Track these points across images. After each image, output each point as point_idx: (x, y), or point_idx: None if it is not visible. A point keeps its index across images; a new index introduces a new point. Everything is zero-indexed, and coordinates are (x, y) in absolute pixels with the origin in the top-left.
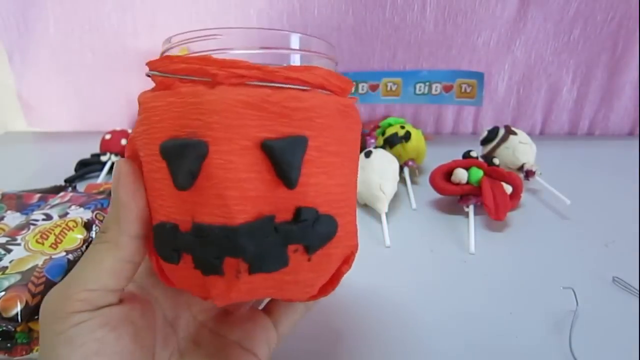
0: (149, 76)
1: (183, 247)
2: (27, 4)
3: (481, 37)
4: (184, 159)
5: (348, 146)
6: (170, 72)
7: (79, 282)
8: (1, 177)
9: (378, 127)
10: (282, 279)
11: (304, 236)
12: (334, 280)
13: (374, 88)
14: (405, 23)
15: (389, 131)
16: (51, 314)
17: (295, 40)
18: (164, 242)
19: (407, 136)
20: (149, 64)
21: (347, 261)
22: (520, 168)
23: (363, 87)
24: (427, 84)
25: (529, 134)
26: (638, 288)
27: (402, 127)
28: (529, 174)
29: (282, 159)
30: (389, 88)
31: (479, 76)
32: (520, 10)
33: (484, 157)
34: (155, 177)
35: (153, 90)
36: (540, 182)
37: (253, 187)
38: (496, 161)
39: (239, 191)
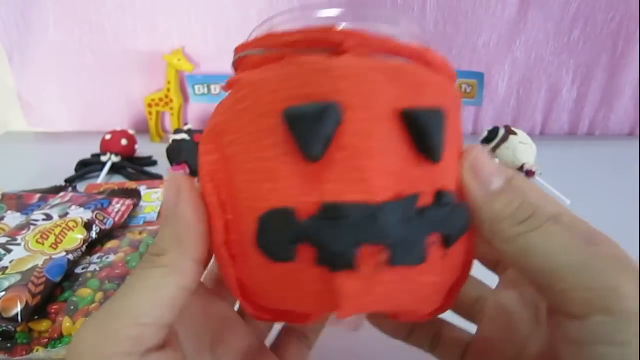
0: (235, 65)
1: (305, 236)
2: (27, 4)
3: (481, 37)
4: (318, 123)
5: (458, 139)
6: (280, 46)
7: (129, 313)
8: (1, 177)
9: None
10: (418, 280)
11: (445, 223)
12: (452, 292)
13: None
14: None
15: None
16: (91, 351)
17: (402, 22)
18: (276, 233)
19: None
20: (240, 47)
21: (465, 270)
22: (520, 168)
23: None
24: None
25: (529, 134)
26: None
27: None
28: (529, 174)
29: (426, 129)
30: None
31: (479, 76)
32: (521, 10)
33: None
34: (266, 156)
35: (247, 70)
36: (540, 182)
37: (394, 161)
38: (496, 161)
39: (380, 163)
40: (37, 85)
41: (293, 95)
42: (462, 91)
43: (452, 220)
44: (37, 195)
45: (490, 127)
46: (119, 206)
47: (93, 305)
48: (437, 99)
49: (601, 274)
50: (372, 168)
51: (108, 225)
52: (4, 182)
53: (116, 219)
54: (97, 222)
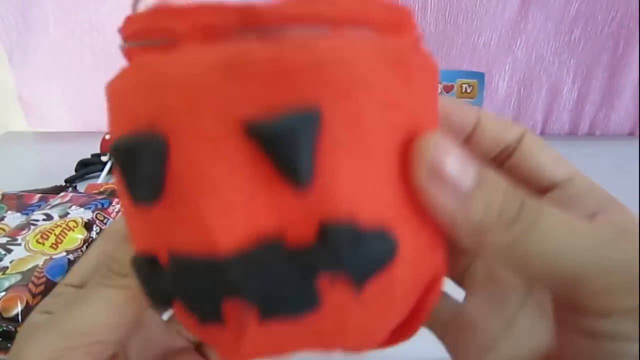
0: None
1: (167, 288)
2: (27, 4)
3: (482, 37)
4: (138, 163)
5: (411, 105)
6: (128, 37)
7: (88, 330)
8: (2, 178)
9: None
10: (319, 326)
11: (339, 261)
12: (416, 318)
13: None
14: None
15: None
16: None
17: None
18: (143, 281)
19: None
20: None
21: (432, 288)
22: None
23: None
24: None
25: None
26: (638, 287)
27: None
28: None
29: (278, 144)
30: None
31: (480, 76)
32: (521, 10)
33: None
34: (119, 190)
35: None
36: None
37: (241, 194)
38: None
39: (219, 201)
40: (37, 85)
41: (130, 116)
42: (462, 91)
43: (354, 253)
44: (38, 196)
45: None
46: (119, 206)
47: None
48: (311, 92)
49: (623, 267)
50: (210, 211)
51: (109, 225)
52: (5, 182)
53: (116, 219)
54: (97, 222)
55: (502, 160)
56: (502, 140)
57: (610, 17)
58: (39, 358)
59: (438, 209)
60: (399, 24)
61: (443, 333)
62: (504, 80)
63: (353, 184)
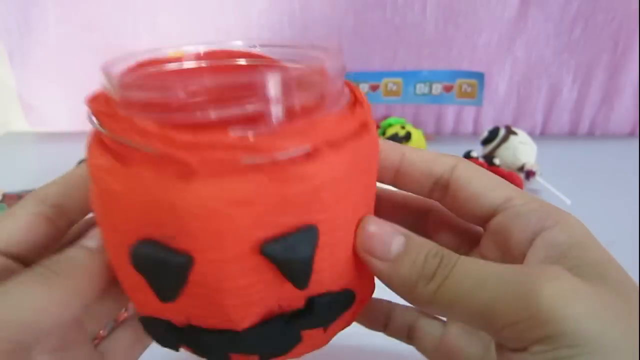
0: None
1: (181, 342)
2: (28, 4)
3: (481, 37)
4: (165, 276)
5: (363, 180)
6: (120, 133)
7: (11, 324)
8: (2, 178)
9: (378, 127)
10: (297, 352)
11: (319, 322)
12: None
13: (374, 88)
14: (406, 23)
15: (390, 131)
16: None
17: (274, 83)
18: (156, 333)
19: (408, 136)
20: (87, 103)
21: (362, 302)
22: (521, 168)
23: (364, 88)
24: (428, 84)
25: (530, 134)
26: (638, 288)
27: (403, 127)
28: (529, 174)
29: (288, 265)
30: (389, 88)
31: (480, 76)
32: (521, 10)
33: (484, 157)
34: (130, 274)
35: (102, 149)
36: (540, 182)
37: (256, 292)
38: (497, 161)
39: (240, 299)
40: (37, 85)
41: (145, 223)
42: (462, 91)
43: (328, 313)
44: None
45: (490, 128)
46: None
47: None
48: (310, 212)
49: (522, 301)
50: (232, 305)
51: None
52: (5, 182)
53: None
54: None
55: (439, 193)
56: (431, 174)
57: (610, 17)
58: None
59: (376, 272)
60: (360, 123)
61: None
62: (503, 80)
63: (332, 271)
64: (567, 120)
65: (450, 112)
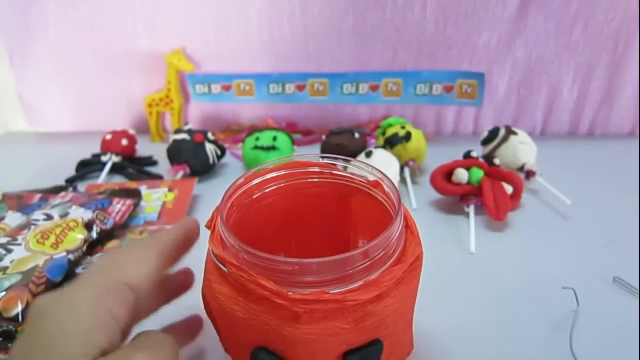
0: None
1: None
2: (28, 4)
3: (481, 37)
4: None
5: (414, 294)
6: (244, 279)
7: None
8: (2, 178)
9: (378, 127)
10: None
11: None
12: None
13: (374, 88)
14: (406, 23)
15: (390, 131)
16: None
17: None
18: None
19: (408, 136)
20: (211, 244)
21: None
22: (521, 168)
23: (363, 88)
24: (428, 84)
25: (530, 134)
26: (638, 288)
27: (403, 127)
28: (529, 174)
29: None
30: (389, 88)
31: (480, 76)
32: (521, 10)
33: (484, 157)
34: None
35: (222, 278)
36: (540, 182)
37: None
38: (497, 161)
39: None
40: (37, 85)
41: (259, 334)
42: (462, 91)
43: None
44: (38, 196)
45: (490, 127)
46: (119, 206)
47: None
48: (377, 331)
49: None
50: None
51: (109, 225)
52: (5, 182)
53: (117, 219)
54: (97, 222)
55: None
56: None
57: (610, 17)
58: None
59: None
60: (415, 257)
61: None
62: (503, 80)
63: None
64: (567, 120)
65: (450, 112)
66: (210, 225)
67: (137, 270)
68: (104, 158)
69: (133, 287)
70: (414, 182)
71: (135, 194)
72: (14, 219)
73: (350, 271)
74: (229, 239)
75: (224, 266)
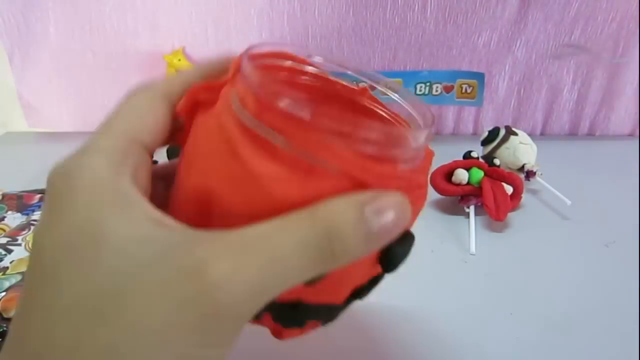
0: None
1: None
2: (28, 4)
3: (482, 38)
4: None
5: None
6: (310, 150)
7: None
8: (2, 178)
9: None
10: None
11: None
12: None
13: (374, 88)
14: (406, 24)
15: None
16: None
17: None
18: (286, 317)
19: None
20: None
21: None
22: (521, 168)
23: None
24: (428, 84)
25: (530, 135)
26: (638, 288)
27: None
28: (529, 174)
29: (393, 259)
30: None
31: (480, 77)
32: (521, 10)
33: (484, 157)
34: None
35: (268, 156)
36: (540, 183)
37: (359, 276)
38: (497, 162)
39: (352, 283)
40: (37, 85)
41: None
42: (462, 92)
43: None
44: (38, 196)
45: (490, 128)
46: None
47: None
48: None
49: None
50: (345, 289)
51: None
52: (5, 182)
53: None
54: None
55: None
56: None
57: (610, 17)
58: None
59: None
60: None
61: None
62: (504, 81)
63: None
64: (567, 121)
65: (450, 113)
66: (223, 85)
67: (146, 124)
68: None
69: (148, 147)
70: None
71: None
72: (13, 219)
73: (416, 153)
74: (288, 95)
75: (277, 135)
